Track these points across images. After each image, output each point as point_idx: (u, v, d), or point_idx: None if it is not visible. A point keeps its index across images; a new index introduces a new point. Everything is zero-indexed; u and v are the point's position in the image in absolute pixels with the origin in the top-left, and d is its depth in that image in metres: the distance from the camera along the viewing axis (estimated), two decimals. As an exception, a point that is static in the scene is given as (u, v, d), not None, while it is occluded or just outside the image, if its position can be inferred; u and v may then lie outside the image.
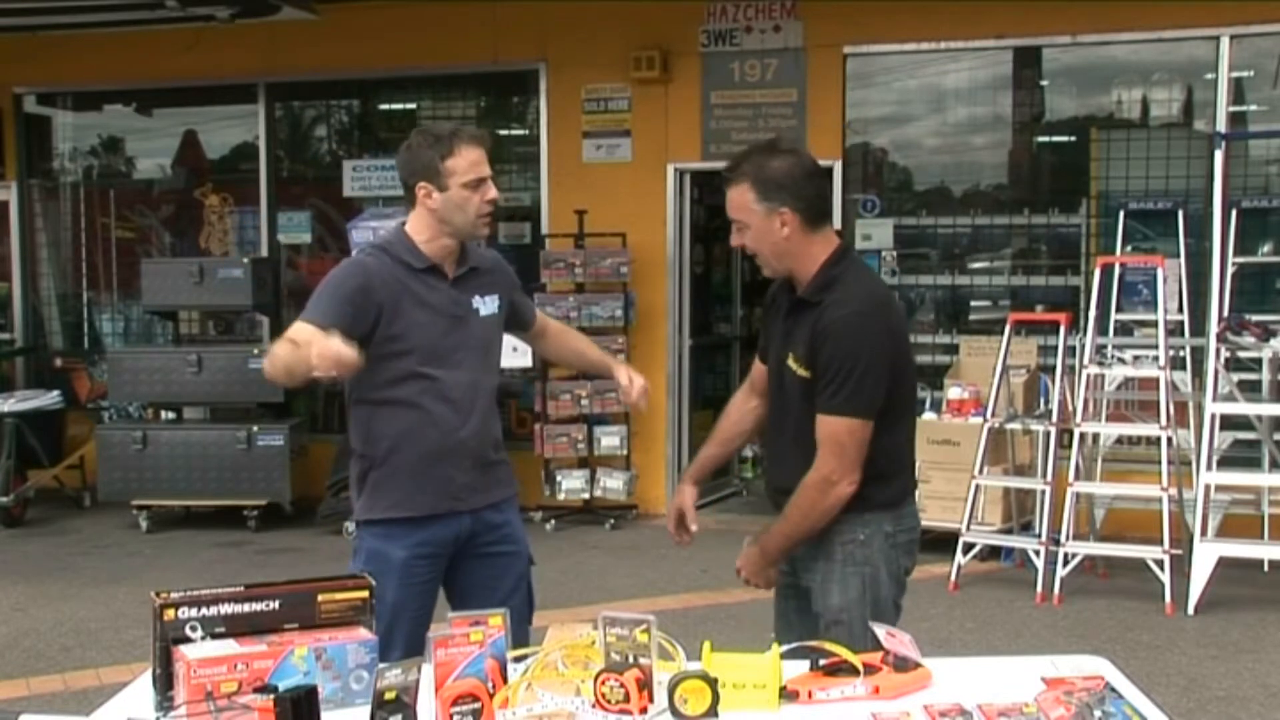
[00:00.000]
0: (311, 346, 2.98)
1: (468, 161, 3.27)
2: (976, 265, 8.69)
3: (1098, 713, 2.32)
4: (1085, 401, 7.08)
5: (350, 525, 8.35)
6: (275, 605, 2.53)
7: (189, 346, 8.95)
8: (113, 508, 8.92)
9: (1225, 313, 7.30)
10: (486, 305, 3.45)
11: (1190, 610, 6.39)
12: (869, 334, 3.00)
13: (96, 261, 10.49)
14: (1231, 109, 7.87)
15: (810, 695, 2.48)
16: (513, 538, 3.53)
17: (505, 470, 3.57)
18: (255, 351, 8.72)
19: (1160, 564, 6.54)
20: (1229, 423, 7.24)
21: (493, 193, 3.32)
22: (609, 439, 8.57)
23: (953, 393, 7.74)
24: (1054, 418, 7.07)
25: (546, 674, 2.50)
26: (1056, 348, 7.15)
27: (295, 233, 9.88)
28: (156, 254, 10.24)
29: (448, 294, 3.37)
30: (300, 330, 3.17)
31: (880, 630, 2.65)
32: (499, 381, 3.56)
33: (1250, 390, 7.14)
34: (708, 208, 9.10)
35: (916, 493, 3.22)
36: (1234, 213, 7.57)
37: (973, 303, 8.63)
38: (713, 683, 2.38)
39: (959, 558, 6.96)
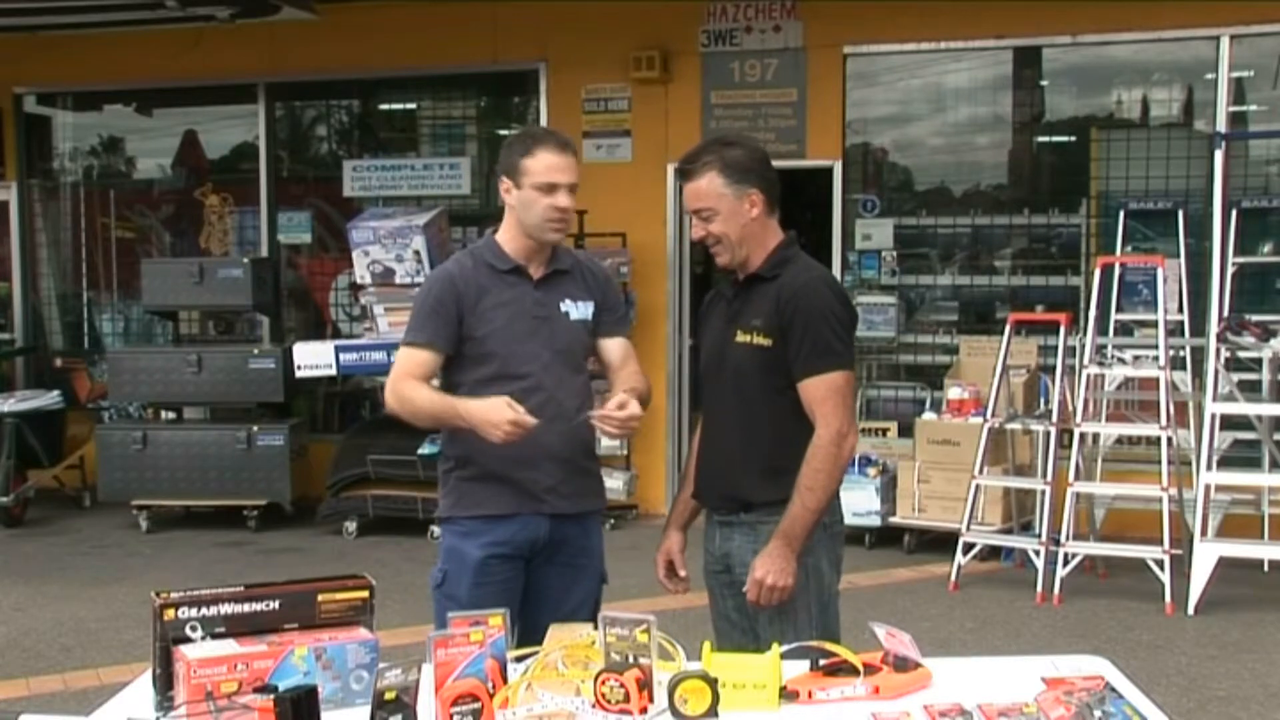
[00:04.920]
0: (473, 414, 3.15)
1: (543, 164, 3.26)
2: (977, 265, 8.69)
3: (1098, 713, 2.32)
4: (1085, 401, 7.07)
5: (350, 525, 8.46)
6: (275, 605, 2.54)
7: (189, 346, 8.94)
8: (113, 508, 8.91)
9: (1225, 313, 7.31)
10: (578, 309, 3.41)
11: (1190, 610, 6.38)
12: (838, 297, 3.14)
13: (96, 261, 10.49)
14: (1231, 109, 7.88)
15: (810, 695, 2.48)
16: (590, 552, 3.53)
17: (596, 482, 3.57)
18: (255, 351, 8.73)
19: (1160, 564, 6.54)
20: (1229, 423, 7.23)
21: (564, 200, 3.27)
22: (609, 439, 8.53)
23: (953, 393, 7.74)
24: (1054, 418, 7.06)
25: (546, 674, 2.50)
26: (1056, 348, 7.14)
27: (295, 233, 9.89)
28: (156, 254, 10.24)
29: (530, 295, 3.35)
30: (408, 360, 3.31)
31: (880, 630, 2.65)
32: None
33: (1250, 390, 7.14)
34: (708, 208, 9.09)
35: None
36: (1234, 213, 7.58)
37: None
38: (713, 683, 2.38)
39: (959, 558, 6.96)
